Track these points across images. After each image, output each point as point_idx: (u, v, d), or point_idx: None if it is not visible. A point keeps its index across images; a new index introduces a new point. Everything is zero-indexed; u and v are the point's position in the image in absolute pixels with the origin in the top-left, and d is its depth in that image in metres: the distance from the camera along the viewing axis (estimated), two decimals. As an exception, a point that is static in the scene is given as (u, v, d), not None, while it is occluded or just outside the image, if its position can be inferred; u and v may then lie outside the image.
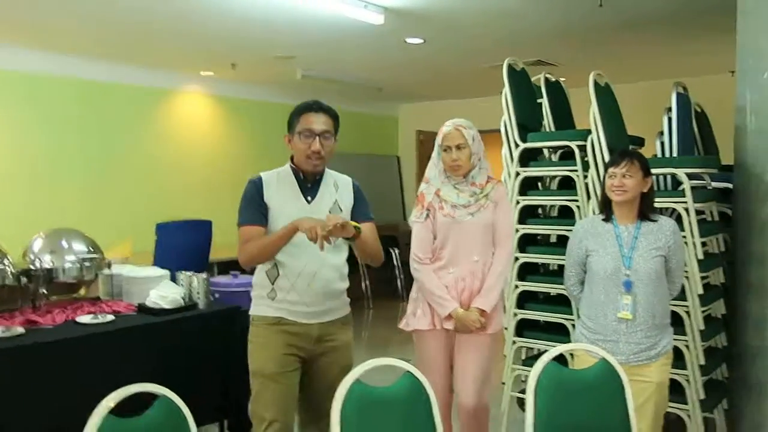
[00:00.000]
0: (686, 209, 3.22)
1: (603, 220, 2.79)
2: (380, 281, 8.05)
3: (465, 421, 2.86)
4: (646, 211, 2.73)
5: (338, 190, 2.58)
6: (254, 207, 2.47)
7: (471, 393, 2.81)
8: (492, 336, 2.85)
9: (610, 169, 2.72)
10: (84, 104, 6.08)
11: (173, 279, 3.69)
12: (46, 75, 5.83)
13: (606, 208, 2.79)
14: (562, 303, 3.70)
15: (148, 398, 1.82)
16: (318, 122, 2.45)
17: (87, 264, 3.44)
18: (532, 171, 3.85)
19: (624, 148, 3.30)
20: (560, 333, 3.66)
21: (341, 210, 2.53)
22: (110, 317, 3.25)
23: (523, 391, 3.76)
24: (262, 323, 2.52)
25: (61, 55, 5.81)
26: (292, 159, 2.54)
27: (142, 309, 3.41)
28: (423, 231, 2.87)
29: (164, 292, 3.42)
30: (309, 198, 2.51)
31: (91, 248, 3.54)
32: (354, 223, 2.34)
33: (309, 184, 2.53)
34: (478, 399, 2.82)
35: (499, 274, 2.83)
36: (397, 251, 8.26)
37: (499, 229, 2.86)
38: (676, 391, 3.25)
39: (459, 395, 2.87)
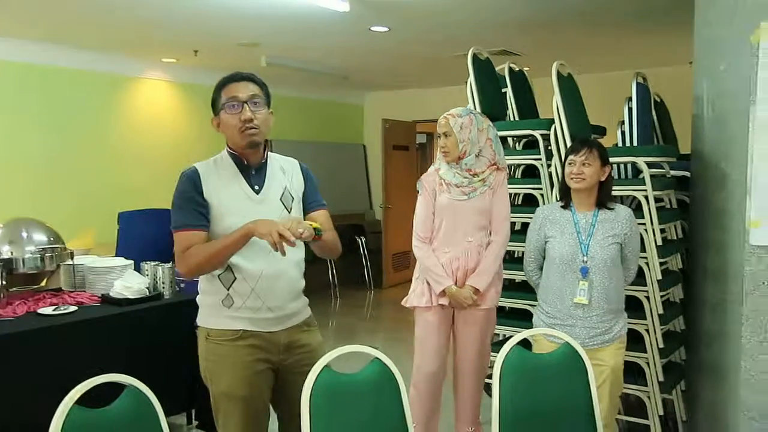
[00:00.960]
0: (646, 197, 3.30)
1: (562, 207, 2.85)
2: (347, 270, 8.06)
3: (462, 380, 3.10)
4: (603, 199, 2.80)
5: (286, 174, 2.28)
6: (191, 206, 2.12)
7: (473, 363, 3.06)
8: (487, 311, 3.05)
9: (570, 157, 2.78)
10: (43, 91, 5.94)
11: (137, 269, 3.65)
12: (2, 61, 5.67)
13: (565, 195, 2.85)
14: (526, 289, 3.76)
15: (115, 390, 1.80)
16: (242, 89, 2.15)
17: (48, 254, 3.38)
18: (497, 159, 3.89)
19: (585, 136, 3.37)
20: (525, 318, 3.73)
21: (293, 198, 2.26)
22: (73, 308, 3.20)
23: (489, 377, 3.83)
24: (219, 339, 2.17)
25: (19, 40, 5.66)
26: (228, 146, 2.24)
27: (106, 300, 3.37)
28: (425, 210, 3.04)
29: (129, 282, 3.39)
30: (256, 187, 2.20)
31: (52, 238, 3.48)
32: (315, 225, 2.07)
33: (253, 170, 2.20)
34: (479, 367, 3.10)
35: (495, 257, 3.02)
36: (363, 240, 8.28)
37: (495, 214, 3.02)
38: (635, 373, 3.34)
39: (459, 362, 3.10)
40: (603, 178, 2.78)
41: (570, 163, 2.77)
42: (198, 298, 2.29)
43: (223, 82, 2.21)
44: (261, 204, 2.18)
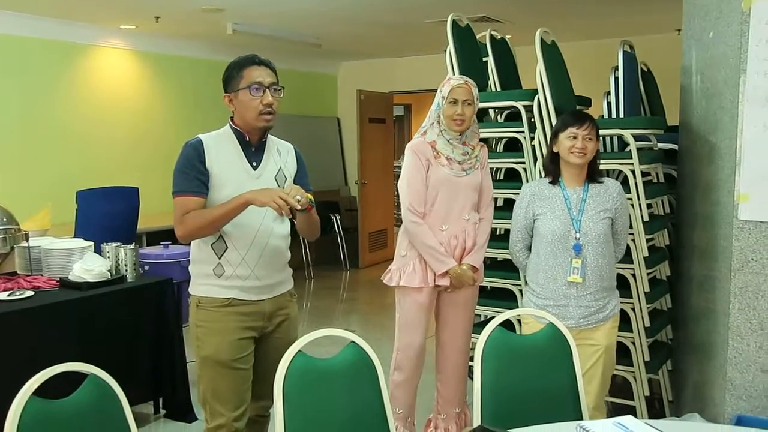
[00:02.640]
0: (632, 171, 3.33)
1: (550, 182, 2.85)
2: (321, 250, 8.05)
3: (449, 360, 3.16)
4: (594, 173, 2.82)
5: (281, 155, 2.52)
6: (193, 174, 2.33)
7: (461, 342, 3.15)
8: (475, 288, 3.14)
9: (571, 130, 2.73)
10: (-10, 61, 5.80)
11: (97, 251, 3.62)
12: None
13: (553, 170, 2.85)
14: (508, 268, 3.79)
15: (76, 379, 1.79)
16: (265, 75, 2.37)
17: (1, 236, 3.33)
18: (478, 132, 3.89)
19: (578, 109, 3.39)
20: (507, 299, 3.77)
21: (286, 177, 2.49)
22: (29, 293, 3.18)
23: (470, 359, 3.86)
24: (210, 306, 2.40)
25: (-38, 5, 5.51)
26: (232, 120, 2.44)
27: (65, 284, 3.34)
28: (419, 182, 2.97)
29: (89, 265, 3.36)
30: (254, 163, 2.42)
31: (5, 219, 3.43)
32: (310, 196, 2.28)
33: (253, 147, 2.43)
34: (466, 346, 3.18)
35: (487, 233, 3.10)
36: (338, 217, 8.26)
37: (485, 191, 3.09)
38: (621, 353, 3.40)
39: (446, 342, 3.15)
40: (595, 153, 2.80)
41: (571, 137, 2.73)
42: (190, 268, 2.48)
43: (243, 63, 2.40)
44: (257, 180, 2.40)
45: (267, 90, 2.35)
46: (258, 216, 2.35)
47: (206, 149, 2.36)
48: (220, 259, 2.38)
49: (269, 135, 2.50)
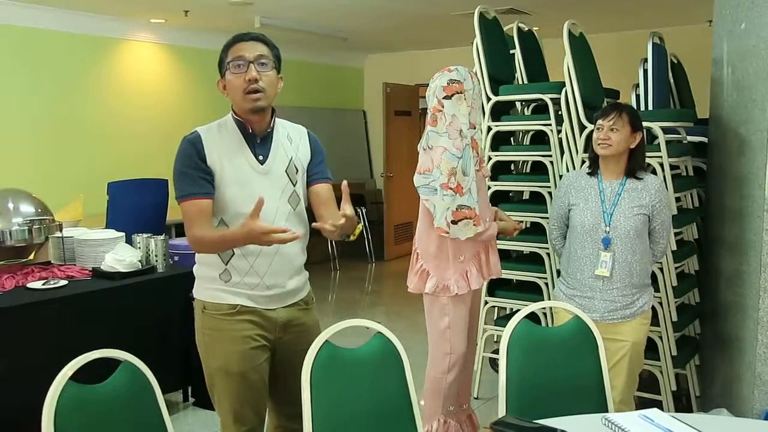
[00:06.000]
0: (661, 164, 3.30)
1: (588, 173, 2.83)
2: (347, 242, 8.08)
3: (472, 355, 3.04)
4: (633, 167, 2.75)
5: (293, 143, 2.25)
6: (194, 174, 2.08)
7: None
8: None
9: (598, 122, 2.74)
10: (25, 55, 5.90)
11: (128, 241, 3.68)
12: (-20, 23, 5.63)
13: (593, 162, 2.82)
14: (534, 261, 3.79)
15: (109, 366, 1.83)
16: (249, 48, 2.10)
17: (36, 226, 3.40)
18: (505, 125, 3.88)
19: (616, 102, 3.35)
20: (533, 291, 3.76)
21: (297, 169, 2.23)
22: (63, 282, 3.24)
23: (495, 352, 3.87)
24: (215, 313, 2.17)
25: (-3, 0, 5.61)
26: (233, 110, 2.18)
27: (98, 273, 3.41)
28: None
29: (120, 255, 3.41)
30: (260, 156, 2.16)
31: (39, 210, 3.50)
32: (360, 227, 2.17)
33: (258, 138, 2.17)
34: None
35: None
36: (364, 210, 8.29)
37: None
38: (648, 347, 3.37)
39: (471, 339, 3.00)
40: (633, 145, 2.73)
41: (597, 128, 2.73)
42: (195, 269, 2.27)
43: (230, 42, 2.15)
44: (265, 176, 2.16)
45: (251, 64, 2.07)
46: (267, 219, 2.06)
47: (205, 145, 2.11)
48: (226, 265, 2.15)
49: (278, 120, 2.24)
